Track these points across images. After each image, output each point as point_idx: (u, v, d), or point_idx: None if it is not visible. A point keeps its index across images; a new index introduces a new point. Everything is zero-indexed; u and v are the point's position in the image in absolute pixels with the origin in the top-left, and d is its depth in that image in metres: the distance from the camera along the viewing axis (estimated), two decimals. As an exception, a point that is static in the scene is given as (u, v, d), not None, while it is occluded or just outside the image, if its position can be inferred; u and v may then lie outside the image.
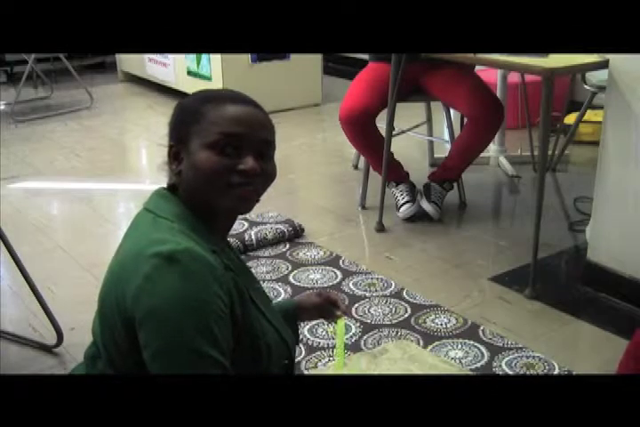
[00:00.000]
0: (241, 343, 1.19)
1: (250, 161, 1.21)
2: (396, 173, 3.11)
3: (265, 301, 1.35)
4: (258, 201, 1.29)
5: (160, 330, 1.10)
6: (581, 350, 2.28)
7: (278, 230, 2.88)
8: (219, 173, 1.20)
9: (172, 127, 1.28)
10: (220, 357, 1.11)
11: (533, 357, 2.12)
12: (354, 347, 2.18)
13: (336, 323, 1.50)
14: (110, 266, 1.22)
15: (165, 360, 1.10)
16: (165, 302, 1.09)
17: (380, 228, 3.00)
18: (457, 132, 3.25)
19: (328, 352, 2.16)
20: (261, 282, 2.55)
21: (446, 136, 3.43)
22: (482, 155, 3.19)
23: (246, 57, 4.53)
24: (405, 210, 3.05)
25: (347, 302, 2.43)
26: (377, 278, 2.60)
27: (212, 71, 4.55)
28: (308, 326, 2.29)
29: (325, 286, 2.55)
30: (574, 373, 2.05)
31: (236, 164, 1.20)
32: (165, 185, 1.30)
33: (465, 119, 3.08)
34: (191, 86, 4.68)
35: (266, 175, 1.25)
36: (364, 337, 2.24)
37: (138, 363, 1.13)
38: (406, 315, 2.36)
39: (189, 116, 1.24)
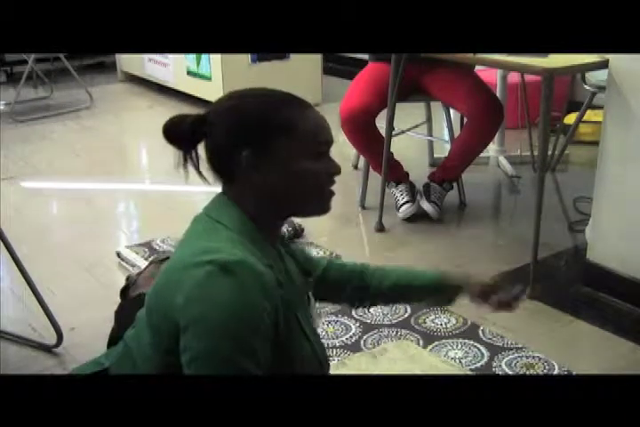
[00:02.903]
0: (279, 359, 1.19)
1: (335, 163, 1.26)
2: (395, 173, 3.11)
3: (308, 317, 1.34)
4: None
5: (202, 336, 1.10)
6: (581, 350, 2.28)
7: (278, 230, 2.87)
8: (322, 179, 1.25)
9: (238, 133, 1.21)
10: (255, 370, 1.11)
11: (533, 357, 2.11)
12: (354, 347, 2.18)
13: None
14: (165, 268, 1.21)
15: (201, 366, 1.10)
16: (213, 311, 1.09)
17: (380, 228, 3.00)
18: (457, 132, 3.25)
19: (328, 352, 2.16)
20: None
21: (446, 136, 3.43)
22: (482, 155, 3.19)
23: (246, 57, 4.53)
24: (405, 210, 3.05)
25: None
26: (377, 278, 2.59)
27: (211, 71, 4.54)
28: (307, 326, 2.29)
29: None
30: (574, 373, 2.04)
31: (329, 168, 1.25)
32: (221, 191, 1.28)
33: (465, 119, 3.08)
34: (191, 86, 4.68)
35: None
36: (364, 337, 2.24)
37: (170, 365, 1.14)
38: (406, 315, 2.36)
39: (269, 123, 1.21)
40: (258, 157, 1.20)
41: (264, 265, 1.17)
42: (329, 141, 1.25)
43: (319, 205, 1.27)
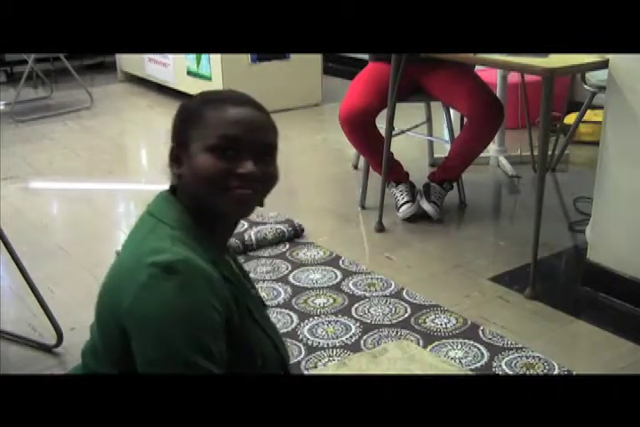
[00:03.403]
0: (237, 354, 1.18)
1: (249, 165, 1.19)
2: (395, 173, 3.11)
3: (261, 310, 1.34)
4: (261, 205, 1.27)
5: (152, 340, 1.09)
6: (581, 350, 2.28)
7: (278, 230, 2.88)
8: (216, 176, 1.19)
9: (173, 129, 1.27)
10: (213, 368, 1.10)
11: (533, 357, 2.11)
12: (354, 347, 2.18)
13: None
14: (109, 270, 1.21)
15: (156, 371, 1.09)
16: (159, 313, 1.09)
17: (380, 228, 3.00)
18: (457, 132, 3.25)
19: (328, 352, 2.16)
20: (261, 282, 2.57)
21: (446, 136, 3.43)
22: (482, 155, 3.19)
23: (246, 57, 4.53)
24: (405, 210, 3.05)
25: (346, 302, 2.43)
26: (377, 278, 2.60)
27: (211, 71, 4.55)
28: (307, 327, 2.29)
29: (325, 286, 2.55)
30: (574, 373, 2.05)
31: (234, 167, 1.19)
32: (168, 187, 1.29)
33: (465, 119, 3.08)
34: (191, 86, 4.68)
35: (266, 179, 1.24)
36: (364, 337, 2.24)
37: (133, 370, 1.13)
38: (406, 315, 2.36)
39: (190, 118, 1.23)
40: (180, 151, 1.23)
41: (208, 261, 1.16)
42: (237, 138, 1.19)
43: (222, 204, 1.20)
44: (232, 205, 1.21)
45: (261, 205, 1.27)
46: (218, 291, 1.14)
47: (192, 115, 1.23)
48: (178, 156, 1.24)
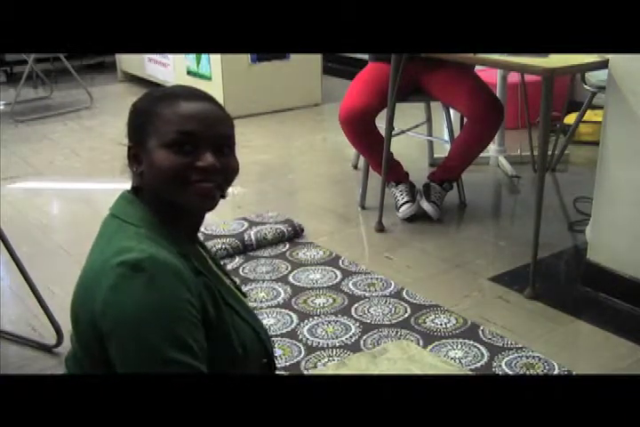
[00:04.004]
0: (217, 345, 1.18)
1: (208, 157, 1.20)
2: (395, 173, 3.11)
3: (238, 299, 1.34)
4: (223, 197, 1.26)
5: (128, 342, 1.09)
6: (581, 350, 2.28)
7: (278, 230, 2.88)
8: (176, 171, 1.19)
9: (129, 128, 1.28)
10: (193, 361, 1.10)
11: (533, 357, 2.11)
12: (354, 347, 2.18)
13: None
14: (80, 276, 1.20)
15: (135, 370, 1.09)
16: (131, 313, 1.08)
17: (380, 228, 3.00)
18: (457, 132, 3.25)
19: (328, 352, 2.16)
20: (261, 282, 2.57)
21: (446, 136, 3.43)
22: (482, 155, 3.19)
23: (246, 57, 4.53)
24: (405, 210, 3.05)
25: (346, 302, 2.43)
26: (377, 278, 2.60)
27: (211, 71, 4.55)
28: (307, 327, 2.29)
29: (325, 286, 2.55)
30: (574, 373, 2.05)
31: (194, 161, 1.19)
32: (130, 188, 1.29)
33: (465, 119, 3.08)
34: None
35: (227, 170, 1.23)
36: (364, 337, 2.24)
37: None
38: (406, 315, 2.36)
39: (143, 116, 1.24)
40: (137, 150, 1.25)
41: (176, 254, 1.16)
42: (193, 132, 1.20)
43: (186, 198, 1.20)
44: (196, 199, 1.21)
45: (224, 196, 1.26)
46: (189, 283, 1.13)
47: (146, 112, 1.24)
48: (136, 154, 1.25)
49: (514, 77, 3.64)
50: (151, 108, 1.23)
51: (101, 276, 1.12)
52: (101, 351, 1.13)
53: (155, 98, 1.26)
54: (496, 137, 3.45)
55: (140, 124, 1.25)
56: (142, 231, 1.18)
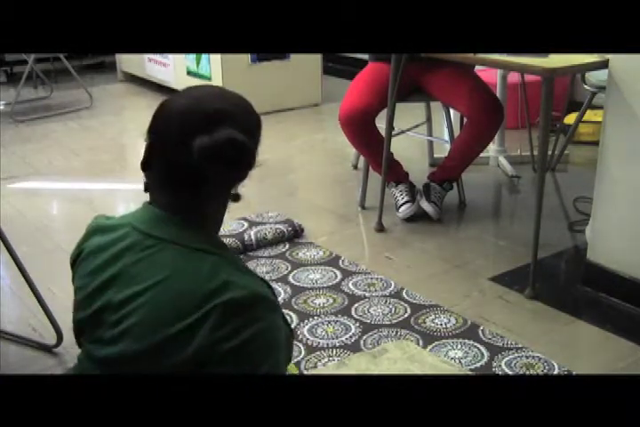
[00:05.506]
0: None
1: None
2: (395, 173, 3.11)
3: None
4: None
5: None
6: (581, 350, 2.28)
7: (278, 230, 2.88)
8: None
9: (221, 158, 1.12)
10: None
11: (533, 357, 2.11)
12: (354, 347, 2.18)
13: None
14: (155, 303, 1.13)
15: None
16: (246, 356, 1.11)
17: (380, 228, 3.00)
18: (457, 132, 3.25)
19: (328, 352, 2.16)
20: (261, 282, 2.57)
21: (446, 136, 3.43)
22: (482, 155, 3.19)
23: (246, 57, 4.53)
24: (405, 210, 3.05)
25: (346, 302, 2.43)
26: (377, 278, 2.60)
27: (211, 71, 4.55)
28: (307, 327, 2.29)
29: (325, 286, 2.55)
30: (574, 373, 2.05)
31: None
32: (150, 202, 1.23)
33: (465, 119, 3.08)
34: (191, 86, 4.67)
35: None
36: (364, 337, 2.24)
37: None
38: (406, 315, 2.36)
39: (245, 152, 1.16)
40: (224, 178, 1.18)
41: (255, 274, 1.21)
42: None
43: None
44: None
45: None
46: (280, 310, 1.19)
47: (246, 148, 1.16)
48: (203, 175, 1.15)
49: (514, 77, 3.63)
50: (251, 145, 1.17)
51: (203, 310, 1.09)
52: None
53: (252, 128, 1.21)
54: (496, 137, 3.45)
55: (239, 160, 1.15)
56: (220, 258, 1.16)
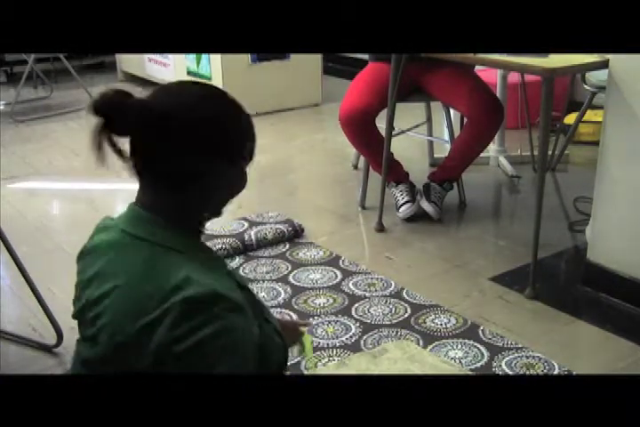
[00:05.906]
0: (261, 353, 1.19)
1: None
2: (395, 173, 3.11)
3: (266, 308, 1.34)
4: None
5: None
6: (581, 350, 2.28)
7: (278, 230, 2.88)
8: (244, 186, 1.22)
9: (183, 140, 1.15)
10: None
11: (533, 357, 2.11)
12: (354, 347, 2.18)
13: (302, 341, 1.52)
14: (112, 304, 1.12)
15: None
16: (201, 355, 1.07)
17: (380, 228, 3.00)
18: (457, 132, 3.25)
19: (328, 352, 2.16)
20: (261, 282, 2.57)
21: (446, 136, 3.43)
22: (482, 155, 3.19)
23: (246, 57, 4.53)
24: (405, 210, 3.05)
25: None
26: (377, 278, 2.60)
27: (211, 71, 4.55)
28: (307, 327, 2.29)
29: (325, 286, 2.55)
30: (574, 373, 2.05)
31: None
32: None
33: (465, 119, 3.08)
34: (191, 86, 4.68)
35: None
36: (364, 337, 2.24)
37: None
38: (406, 315, 2.36)
39: (212, 126, 1.14)
40: (200, 163, 1.15)
41: (225, 275, 1.17)
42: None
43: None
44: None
45: None
46: (248, 313, 1.13)
47: (214, 122, 1.15)
48: (197, 169, 1.16)
49: (514, 77, 3.64)
50: (219, 118, 1.14)
51: (161, 309, 1.06)
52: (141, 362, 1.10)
53: (215, 104, 1.16)
54: (496, 137, 3.45)
55: (208, 137, 1.13)
56: (187, 258, 1.13)
